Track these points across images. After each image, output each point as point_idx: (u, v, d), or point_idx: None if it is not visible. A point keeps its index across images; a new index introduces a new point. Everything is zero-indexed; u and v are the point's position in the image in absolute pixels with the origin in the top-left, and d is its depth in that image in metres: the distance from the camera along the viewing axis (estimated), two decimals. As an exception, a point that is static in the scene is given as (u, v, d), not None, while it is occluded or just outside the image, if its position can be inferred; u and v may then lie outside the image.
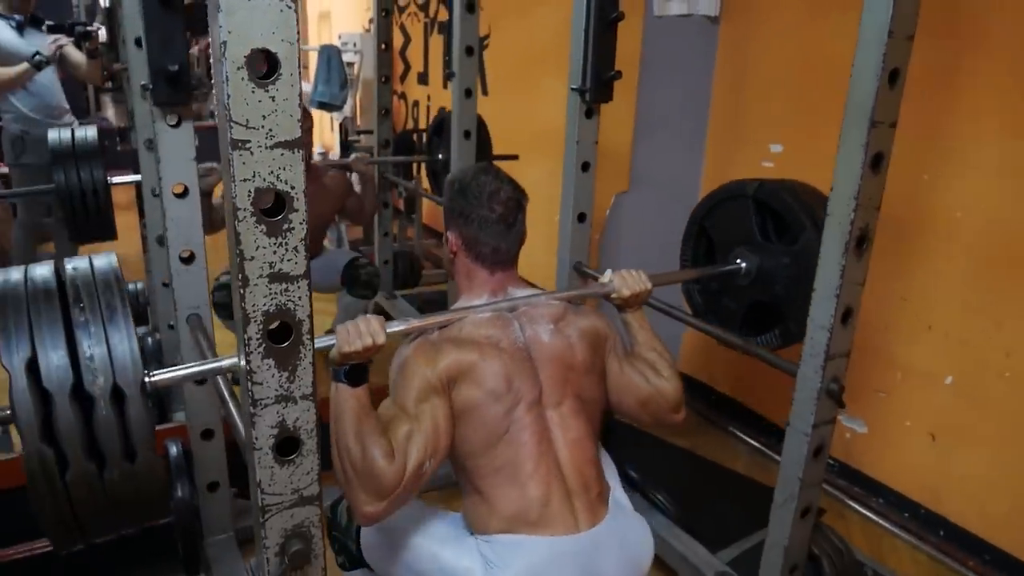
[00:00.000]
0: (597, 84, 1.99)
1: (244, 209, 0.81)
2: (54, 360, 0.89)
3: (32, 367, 0.88)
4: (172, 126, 1.56)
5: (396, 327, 1.31)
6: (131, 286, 2.91)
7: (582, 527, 1.35)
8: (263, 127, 0.80)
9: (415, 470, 1.23)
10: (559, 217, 2.21)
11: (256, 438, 0.90)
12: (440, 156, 3.25)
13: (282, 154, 0.82)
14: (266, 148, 0.81)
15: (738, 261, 1.85)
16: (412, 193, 4.37)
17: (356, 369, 1.23)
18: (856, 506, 2.48)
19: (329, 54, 5.27)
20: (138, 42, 1.95)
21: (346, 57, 5.47)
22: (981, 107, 2.07)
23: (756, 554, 1.80)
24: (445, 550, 1.36)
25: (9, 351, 0.87)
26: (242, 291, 0.84)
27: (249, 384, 0.88)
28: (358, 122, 5.75)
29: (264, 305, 0.85)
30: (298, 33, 0.79)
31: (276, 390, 0.89)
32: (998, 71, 2.02)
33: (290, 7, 0.78)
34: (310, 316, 0.89)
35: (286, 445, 0.93)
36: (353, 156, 3.40)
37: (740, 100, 2.82)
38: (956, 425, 2.24)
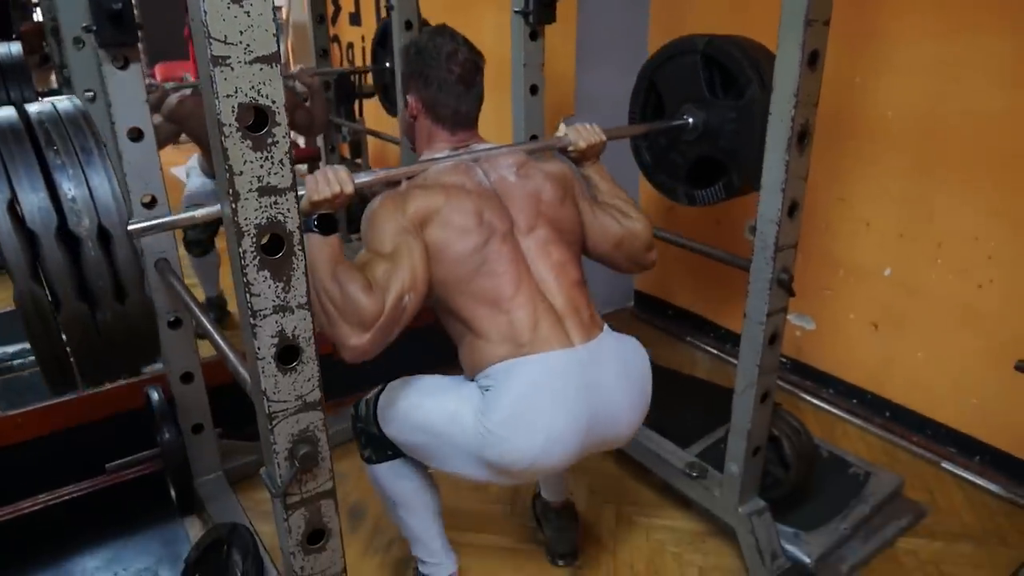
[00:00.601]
0: (540, 5, 2.01)
1: (229, 125, 0.84)
2: (35, 201, 0.88)
3: (12, 209, 0.88)
4: (120, 68, 1.55)
5: (362, 178, 1.33)
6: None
7: (576, 342, 1.40)
8: (241, 43, 0.82)
9: (395, 302, 1.26)
10: (512, 141, 2.25)
11: (259, 348, 0.95)
12: (388, 64, 3.20)
13: (261, 69, 0.84)
14: (245, 63, 0.83)
15: (686, 117, 1.88)
16: (358, 135, 4.33)
17: (326, 218, 1.25)
18: (808, 398, 2.66)
19: (256, -1, 5.09)
20: (70, -12, 1.89)
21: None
22: (906, 7, 2.16)
23: (721, 446, 1.94)
24: (448, 400, 1.41)
25: None
26: (234, 206, 0.87)
27: (248, 296, 0.92)
28: (292, 67, 5.61)
29: (256, 219, 0.89)
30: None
31: (273, 301, 0.94)
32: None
33: (258, -81, 0.80)
34: (299, 227, 0.93)
35: (287, 354, 0.98)
36: (298, 68, 3.34)
37: (678, 21, 2.87)
38: (896, 313, 2.40)
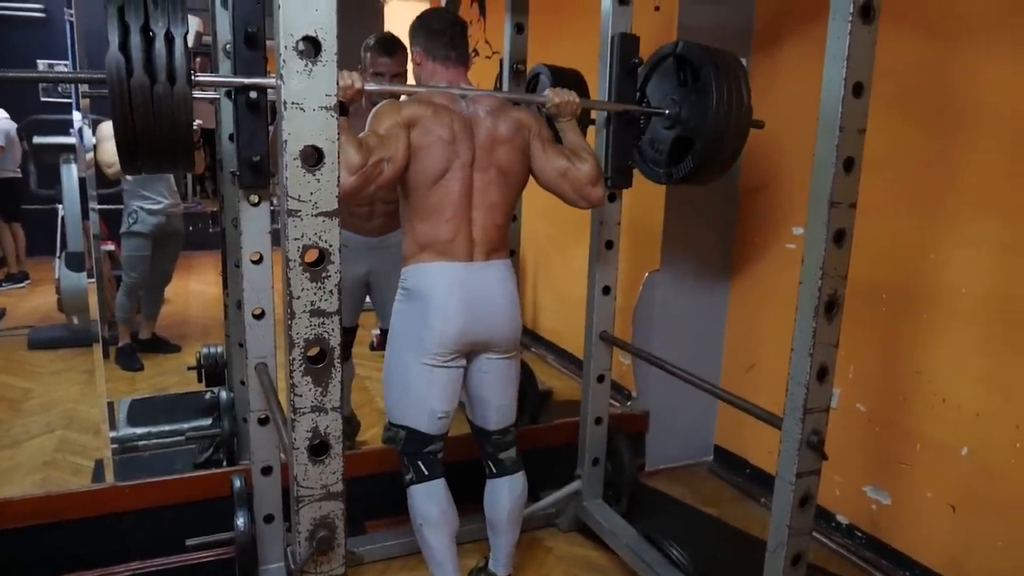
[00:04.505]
0: (616, 173, 2.27)
1: (294, 260, 1.09)
2: (133, 7, 1.33)
3: (120, 11, 1.33)
4: (253, 205, 1.90)
5: (372, 86, 1.93)
6: (213, 349, 3.28)
7: (475, 260, 1.98)
8: (311, 201, 1.09)
9: (376, 161, 1.79)
10: (587, 290, 2.45)
11: (295, 440, 1.15)
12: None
13: (323, 221, 1.10)
14: (312, 216, 1.09)
15: (665, 109, 2.19)
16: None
17: (339, 103, 1.64)
18: (883, 579, 2.53)
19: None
20: (231, 137, 2.34)
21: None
22: (976, 190, 2.23)
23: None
24: (400, 356, 2.04)
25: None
26: (290, 322, 1.11)
27: (292, 396, 1.13)
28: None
29: (306, 334, 1.12)
30: (337, 135, 1.08)
31: (312, 401, 1.15)
32: (986, 156, 2.19)
33: (333, 116, 1.07)
34: (340, 345, 1.15)
35: (318, 448, 1.17)
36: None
37: (766, 193, 3.04)
38: (974, 496, 2.30)
